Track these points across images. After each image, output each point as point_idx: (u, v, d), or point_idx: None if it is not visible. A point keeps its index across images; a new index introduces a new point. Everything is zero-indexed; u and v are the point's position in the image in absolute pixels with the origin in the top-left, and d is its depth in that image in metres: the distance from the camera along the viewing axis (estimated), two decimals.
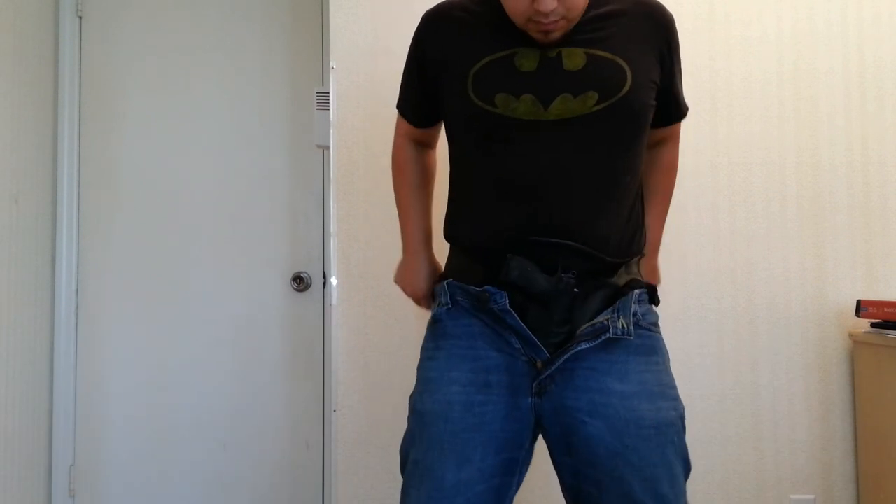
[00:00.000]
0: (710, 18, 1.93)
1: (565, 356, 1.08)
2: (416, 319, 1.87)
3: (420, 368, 1.18)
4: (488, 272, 1.11)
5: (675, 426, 1.09)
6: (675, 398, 1.11)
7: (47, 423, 2.20)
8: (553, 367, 1.08)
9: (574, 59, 1.09)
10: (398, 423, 1.86)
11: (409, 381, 1.86)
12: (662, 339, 1.16)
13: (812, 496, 1.85)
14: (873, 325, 1.79)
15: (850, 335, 1.85)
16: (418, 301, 1.32)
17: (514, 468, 1.09)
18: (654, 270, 1.34)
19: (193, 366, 2.25)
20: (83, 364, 2.26)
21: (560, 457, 1.10)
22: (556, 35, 1.09)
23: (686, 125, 1.37)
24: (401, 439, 1.12)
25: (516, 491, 1.11)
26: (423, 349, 1.19)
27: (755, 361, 1.88)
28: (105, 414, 2.25)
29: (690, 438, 1.86)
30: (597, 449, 1.05)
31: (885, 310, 1.75)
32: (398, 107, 1.34)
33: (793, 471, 1.86)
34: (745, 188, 1.91)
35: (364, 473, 1.86)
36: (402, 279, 1.33)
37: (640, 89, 1.10)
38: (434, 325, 1.18)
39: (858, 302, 1.80)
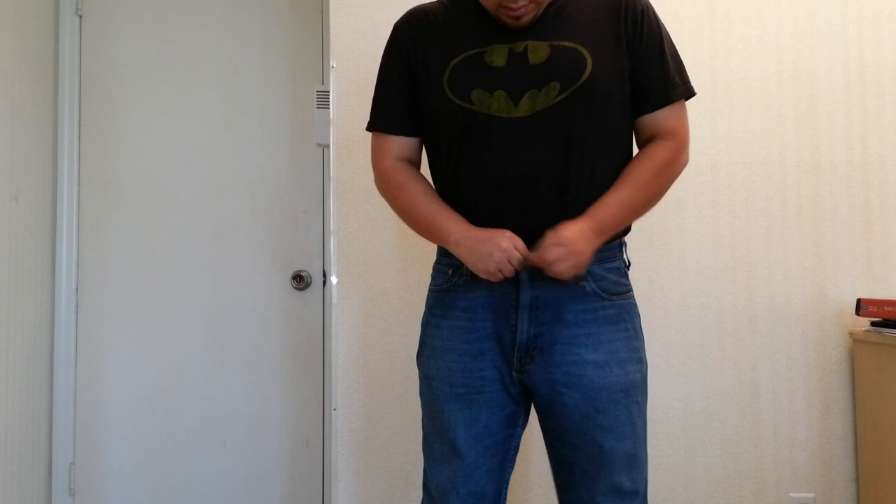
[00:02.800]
0: (710, 17, 1.93)
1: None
2: (416, 318, 1.87)
3: (426, 333, 1.27)
4: None
5: (639, 387, 1.20)
6: (641, 360, 1.22)
7: (47, 422, 2.20)
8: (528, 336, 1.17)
9: (538, 52, 1.16)
10: (398, 422, 1.87)
11: (409, 380, 1.86)
12: (631, 303, 1.23)
13: (812, 495, 1.85)
14: (873, 324, 1.79)
15: (850, 334, 1.85)
16: (516, 253, 1.11)
17: (517, 419, 1.23)
18: (560, 227, 1.12)
19: (193, 364, 2.25)
20: (83, 363, 2.26)
21: (543, 421, 1.23)
22: (527, 19, 1.15)
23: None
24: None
25: (521, 435, 1.25)
26: (430, 314, 1.27)
27: (755, 360, 1.88)
28: (105, 413, 2.25)
29: (691, 437, 1.86)
30: (572, 415, 1.16)
31: (885, 308, 1.75)
32: (375, 127, 1.28)
33: (793, 469, 1.86)
34: (745, 187, 1.90)
35: (364, 473, 1.86)
36: (490, 249, 1.11)
37: (602, 74, 1.15)
38: (444, 293, 1.25)
39: (858, 300, 1.79)
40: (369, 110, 1.31)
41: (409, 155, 1.29)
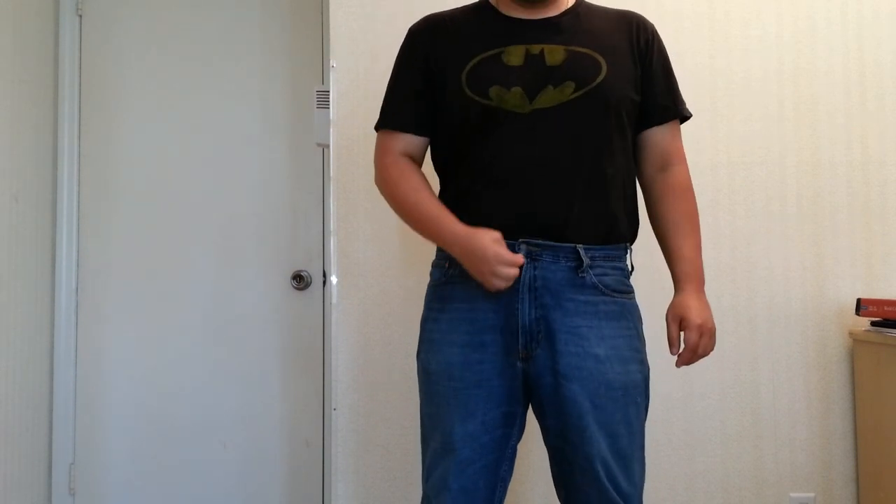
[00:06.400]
0: (710, 17, 1.93)
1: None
2: (416, 318, 1.86)
3: (424, 329, 1.29)
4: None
5: (639, 387, 1.22)
6: (643, 361, 1.25)
7: (47, 422, 2.20)
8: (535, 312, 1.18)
9: (555, 55, 1.20)
10: (398, 422, 1.86)
11: (409, 379, 1.86)
12: (634, 304, 1.26)
13: (812, 494, 1.85)
14: (873, 324, 1.79)
15: (850, 333, 1.85)
16: (515, 263, 1.14)
17: (514, 420, 1.22)
18: (692, 309, 1.21)
19: (193, 364, 2.25)
20: (83, 363, 2.26)
21: (542, 419, 1.23)
22: None
23: (686, 123, 1.37)
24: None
25: (518, 440, 1.23)
26: (428, 308, 1.29)
27: (755, 360, 1.88)
28: (105, 412, 2.25)
29: (691, 437, 1.86)
30: (570, 409, 1.17)
31: (885, 308, 1.75)
32: (385, 125, 1.29)
33: (792, 469, 1.86)
34: (745, 187, 1.90)
35: (364, 472, 1.86)
36: (483, 262, 1.14)
37: (615, 80, 1.21)
38: (441, 286, 1.26)
39: (858, 300, 1.80)
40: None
41: (413, 154, 1.30)
